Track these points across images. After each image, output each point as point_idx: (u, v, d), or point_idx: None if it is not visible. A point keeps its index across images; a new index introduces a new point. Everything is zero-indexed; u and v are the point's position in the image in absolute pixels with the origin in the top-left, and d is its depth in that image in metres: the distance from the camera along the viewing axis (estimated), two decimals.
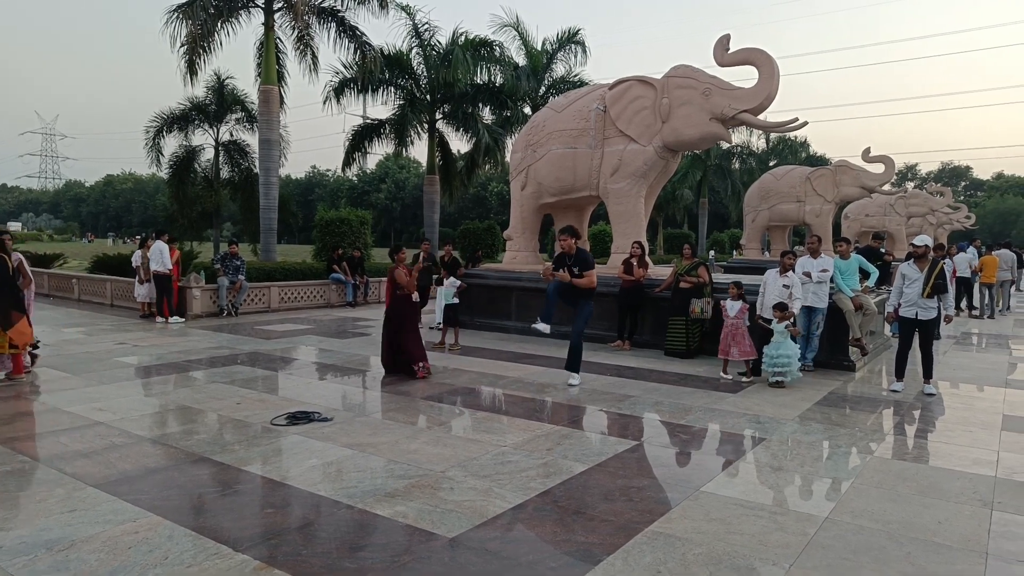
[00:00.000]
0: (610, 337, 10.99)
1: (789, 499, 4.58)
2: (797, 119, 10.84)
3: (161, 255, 12.85)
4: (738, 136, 43.64)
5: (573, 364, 8.01)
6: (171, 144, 25.84)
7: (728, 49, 10.84)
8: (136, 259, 13.83)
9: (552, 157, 12.44)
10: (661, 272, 11.56)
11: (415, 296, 8.78)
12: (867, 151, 21.77)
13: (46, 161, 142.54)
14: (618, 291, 10.83)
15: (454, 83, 22.37)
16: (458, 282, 11.43)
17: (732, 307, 8.65)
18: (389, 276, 8.60)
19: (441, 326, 12.65)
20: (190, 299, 13.45)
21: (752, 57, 10.66)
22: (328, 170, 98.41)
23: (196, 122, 25.57)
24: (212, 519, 4.04)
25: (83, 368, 8.43)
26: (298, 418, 6.25)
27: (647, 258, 11.19)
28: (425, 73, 23.22)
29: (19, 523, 3.91)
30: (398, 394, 7.45)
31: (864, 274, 9.75)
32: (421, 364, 8.34)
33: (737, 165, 46.56)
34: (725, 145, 42.97)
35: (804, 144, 54.32)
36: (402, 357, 8.41)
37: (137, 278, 13.65)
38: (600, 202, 12.92)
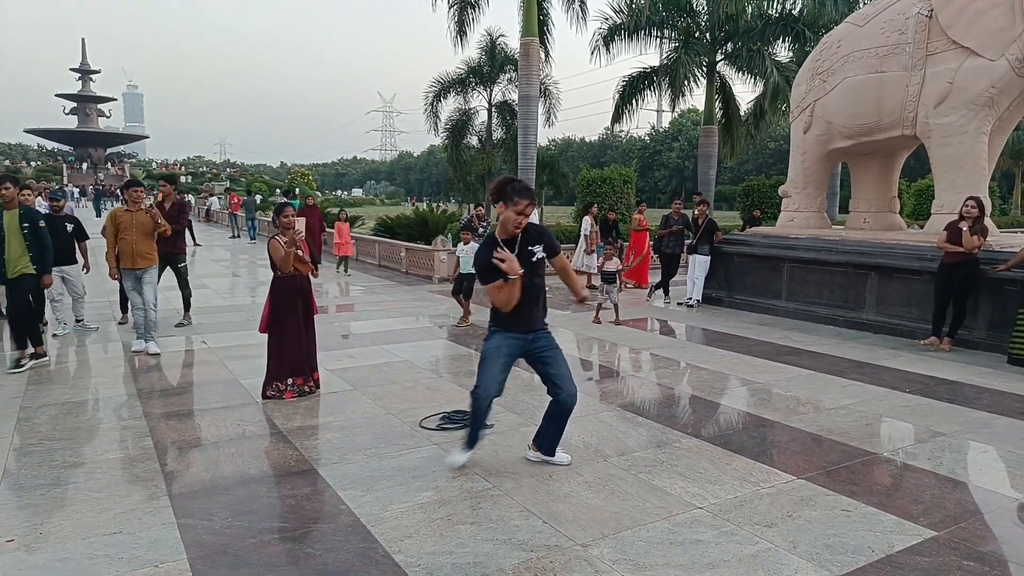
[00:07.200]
0: (921, 331, 7.98)
1: None
2: None
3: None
4: None
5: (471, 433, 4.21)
6: (448, 109, 26.67)
7: None
8: (586, 227, 13.04)
9: (848, 86, 9.47)
10: (1012, 242, 8.09)
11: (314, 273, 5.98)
12: None
13: (385, 135, 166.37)
14: (938, 267, 7.75)
15: (738, 16, 19.27)
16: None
17: None
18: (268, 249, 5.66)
19: (694, 303, 10.78)
20: (436, 263, 13.26)
21: None
22: (621, 131, 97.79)
23: (472, 84, 25.99)
24: None
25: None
26: (452, 419, 5.04)
27: (987, 221, 7.85)
28: (705, 9, 20.44)
29: (53, 541, 3.24)
30: (589, 396, 5.84)
31: None
32: (290, 382, 5.63)
33: None
34: None
35: None
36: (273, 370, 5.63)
37: (584, 247, 13.13)
38: (918, 145, 9.60)
